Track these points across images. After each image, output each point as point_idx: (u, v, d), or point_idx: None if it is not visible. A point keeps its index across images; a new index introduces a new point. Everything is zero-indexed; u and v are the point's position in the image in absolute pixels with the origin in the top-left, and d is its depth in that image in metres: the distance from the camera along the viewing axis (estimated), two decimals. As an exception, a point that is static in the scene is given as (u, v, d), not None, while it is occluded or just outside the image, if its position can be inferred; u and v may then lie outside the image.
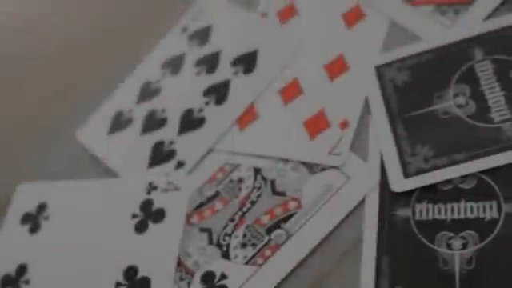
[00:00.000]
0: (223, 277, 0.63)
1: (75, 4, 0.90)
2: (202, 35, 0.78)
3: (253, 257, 0.63)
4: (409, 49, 0.69)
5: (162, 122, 0.75)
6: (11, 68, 0.88)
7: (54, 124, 0.80)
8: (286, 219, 0.65)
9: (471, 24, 0.69)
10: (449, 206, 0.61)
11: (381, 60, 0.69)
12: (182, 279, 0.64)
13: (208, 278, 0.64)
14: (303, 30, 0.75)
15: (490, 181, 0.61)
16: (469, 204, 0.60)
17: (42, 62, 0.87)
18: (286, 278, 0.62)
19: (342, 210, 0.63)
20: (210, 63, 0.76)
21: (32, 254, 0.70)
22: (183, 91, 0.76)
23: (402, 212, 0.62)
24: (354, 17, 0.73)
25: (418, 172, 0.63)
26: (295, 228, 0.64)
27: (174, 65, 0.78)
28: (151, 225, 0.68)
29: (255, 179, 0.68)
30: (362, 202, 0.64)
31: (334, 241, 0.62)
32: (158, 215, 0.68)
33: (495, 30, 0.67)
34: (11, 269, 0.70)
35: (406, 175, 0.63)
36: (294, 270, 0.62)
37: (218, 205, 0.68)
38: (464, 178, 0.62)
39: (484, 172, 0.61)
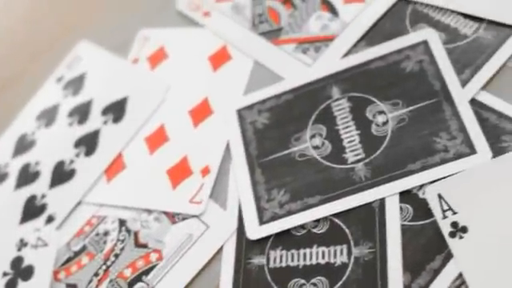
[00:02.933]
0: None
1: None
2: (76, 84, 0.78)
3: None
4: (269, 90, 0.69)
5: (35, 176, 0.74)
6: None
7: None
8: (147, 271, 0.64)
9: (331, 61, 0.68)
10: (302, 251, 0.60)
11: (243, 103, 0.69)
12: None
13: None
14: (171, 75, 0.74)
15: (341, 224, 0.60)
16: (320, 249, 0.59)
17: None
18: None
19: (200, 260, 0.63)
20: (81, 113, 0.75)
21: None
22: (56, 143, 0.75)
23: (257, 260, 0.61)
24: (219, 59, 0.73)
25: (273, 218, 0.62)
26: (156, 280, 0.63)
27: (49, 116, 0.77)
28: (20, 283, 0.67)
29: (120, 231, 0.67)
30: (221, 250, 0.62)
31: (194, 290, 0.61)
32: (27, 273, 0.67)
33: (352, 67, 0.67)
34: None
35: (262, 222, 0.62)
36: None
37: (84, 259, 0.67)
38: (317, 222, 0.61)
39: (336, 215, 0.60)
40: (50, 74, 0.80)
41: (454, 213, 0.57)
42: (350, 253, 0.58)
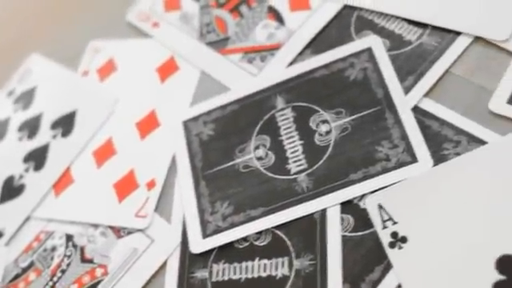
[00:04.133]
0: None
1: None
2: (27, 98, 0.77)
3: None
4: (215, 101, 0.68)
5: (-14, 192, 0.73)
6: None
7: None
8: (93, 287, 0.63)
9: (276, 71, 0.67)
10: (244, 265, 0.59)
11: (188, 114, 0.68)
12: None
13: None
14: (120, 87, 0.73)
15: (283, 236, 0.60)
16: (262, 262, 0.59)
17: None
18: None
19: (144, 275, 0.62)
20: (31, 127, 0.74)
21: None
22: (6, 158, 0.74)
23: (200, 273, 0.61)
24: (167, 70, 0.72)
25: (216, 231, 0.61)
26: (101, 296, 0.62)
27: (0, 130, 0.76)
28: (-30, 301, 0.67)
29: (67, 247, 0.66)
30: (165, 264, 0.62)
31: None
32: (-25, 291, 0.67)
33: (297, 76, 0.67)
34: None
35: (205, 235, 0.62)
36: None
37: (31, 276, 0.66)
38: (260, 234, 0.60)
39: (278, 227, 0.60)
40: (2, 88, 0.79)
41: (394, 223, 0.56)
42: (291, 265, 0.58)
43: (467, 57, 0.63)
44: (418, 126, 0.60)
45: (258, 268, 0.59)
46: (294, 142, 0.63)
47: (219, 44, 0.71)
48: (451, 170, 0.57)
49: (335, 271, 0.56)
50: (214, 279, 0.59)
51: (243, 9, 0.72)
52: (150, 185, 0.65)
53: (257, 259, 0.59)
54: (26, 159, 0.72)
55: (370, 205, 0.57)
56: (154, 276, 0.62)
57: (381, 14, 0.67)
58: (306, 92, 0.65)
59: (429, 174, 0.58)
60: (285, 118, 0.64)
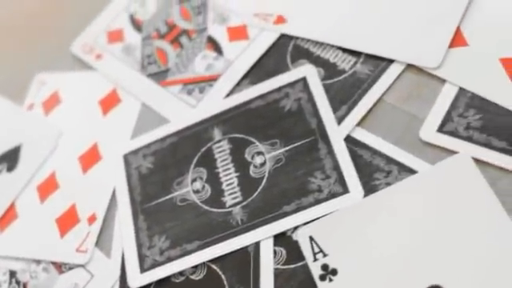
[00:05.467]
0: None
1: None
2: (-29, 134, 0.77)
3: None
4: (154, 133, 0.68)
5: None
6: None
7: None
8: (34, 325, 0.63)
9: (214, 102, 0.68)
10: (180, 299, 0.60)
11: (129, 147, 0.69)
12: None
13: None
14: (64, 120, 0.73)
15: (218, 270, 0.60)
16: (197, 296, 0.59)
17: None
18: None
19: (84, 311, 0.62)
20: (-23, 163, 0.75)
21: None
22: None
23: (139, 308, 0.61)
24: (109, 103, 0.72)
25: (154, 265, 0.62)
26: (41, 334, 0.62)
27: None
28: None
29: (10, 283, 0.67)
30: (105, 300, 0.62)
31: None
32: None
33: (234, 107, 0.67)
34: None
35: (143, 270, 0.62)
36: None
37: (-24, 314, 0.66)
38: (195, 268, 0.60)
39: (213, 261, 0.60)
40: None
41: (325, 255, 0.57)
42: (224, 299, 0.58)
43: (400, 84, 0.64)
44: (350, 156, 0.61)
45: (193, 302, 0.59)
46: (229, 174, 0.63)
47: (160, 76, 0.71)
48: (381, 201, 0.58)
49: (267, 304, 0.56)
50: (151, 314, 0.60)
51: (183, 40, 0.73)
52: (91, 219, 0.66)
53: (192, 293, 0.59)
54: (-28, 197, 0.72)
55: (301, 237, 0.58)
56: (91, 312, 0.62)
57: (316, 43, 0.68)
58: (243, 123, 0.65)
59: (359, 205, 0.58)
60: (221, 150, 0.65)
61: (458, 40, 0.64)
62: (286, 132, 0.64)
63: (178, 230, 0.62)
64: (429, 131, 0.60)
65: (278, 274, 0.58)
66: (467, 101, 0.61)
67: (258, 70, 0.69)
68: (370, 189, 0.59)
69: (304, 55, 0.68)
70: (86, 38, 0.77)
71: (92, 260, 0.64)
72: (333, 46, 0.67)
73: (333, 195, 0.59)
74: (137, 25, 0.76)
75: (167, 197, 0.64)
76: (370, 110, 0.63)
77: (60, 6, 0.81)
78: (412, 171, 0.59)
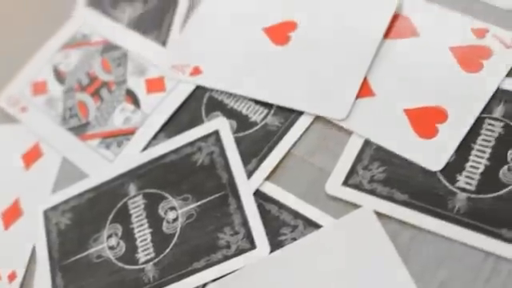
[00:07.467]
0: None
1: None
2: None
3: None
4: (73, 189, 0.69)
5: None
6: None
7: None
8: None
9: (130, 156, 0.69)
10: None
11: (48, 203, 0.69)
12: None
13: None
14: (-12, 175, 0.74)
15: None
16: None
17: None
18: None
19: None
20: None
21: None
22: None
23: None
24: (32, 156, 0.73)
25: (69, 324, 0.62)
26: None
27: None
28: None
29: None
30: None
31: None
32: None
33: (149, 162, 0.68)
34: None
35: (58, 329, 0.62)
36: None
37: None
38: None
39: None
40: None
41: (232, 312, 0.57)
42: None
43: (308, 137, 0.65)
44: (259, 211, 0.62)
45: None
46: (143, 230, 0.64)
47: (80, 129, 0.72)
48: (285, 257, 0.59)
49: None
50: None
51: (104, 92, 0.73)
52: (11, 277, 0.66)
53: None
54: None
55: (207, 295, 0.59)
56: None
57: (230, 95, 0.69)
58: (157, 178, 0.66)
59: (265, 262, 0.59)
60: (136, 206, 0.65)
61: (365, 91, 0.65)
62: (198, 187, 0.64)
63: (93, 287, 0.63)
64: (334, 185, 0.61)
65: (187, 331, 0.59)
66: (372, 153, 0.62)
67: (174, 123, 0.70)
68: (276, 244, 0.60)
69: (218, 107, 0.69)
70: (12, 90, 0.78)
71: (6, 320, 0.65)
72: (245, 98, 0.68)
73: (240, 251, 0.60)
74: (60, 76, 0.77)
75: (84, 253, 0.65)
76: (278, 164, 0.64)
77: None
78: (317, 226, 0.60)
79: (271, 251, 0.60)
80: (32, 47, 0.80)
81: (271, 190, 0.63)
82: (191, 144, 0.67)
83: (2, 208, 0.71)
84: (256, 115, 0.67)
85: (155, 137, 0.69)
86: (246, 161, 0.64)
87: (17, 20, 0.83)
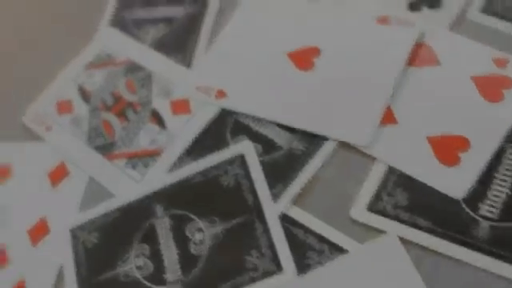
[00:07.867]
0: None
1: None
2: None
3: None
4: (99, 208, 0.71)
5: None
6: None
7: None
8: None
9: (156, 177, 0.70)
10: None
11: (76, 222, 0.71)
12: None
13: None
14: (13, 192, 0.75)
15: None
16: None
17: None
18: None
19: None
20: None
21: None
22: None
23: None
24: (58, 175, 0.75)
25: None
26: None
27: None
28: None
29: None
30: None
31: None
32: None
33: (175, 183, 0.69)
34: None
35: None
36: None
37: None
38: None
39: None
40: None
41: (259, 334, 0.59)
42: None
43: (333, 162, 0.66)
44: (285, 235, 0.63)
45: None
46: (171, 250, 0.66)
47: (106, 148, 0.74)
48: (311, 281, 0.61)
49: None
50: None
51: (129, 113, 0.75)
52: (39, 294, 0.68)
53: None
54: None
55: (233, 317, 0.60)
56: None
57: (255, 119, 0.70)
58: (184, 199, 0.68)
59: (291, 285, 0.61)
60: (163, 227, 0.67)
61: (388, 118, 0.66)
62: (224, 209, 0.66)
63: (124, 308, 0.64)
64: (359, 210, 0.63)
65: None
66: (395, 179, 0.64)
67: (199, 145, 0.71)
68: (303, 267, 0.61)
69: (243, 131, 0.70)
70: (36, 108, 0.79)
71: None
72: (271, 122, 0.69)
73: (267, 274, 0.62)
74: (86, 96, 0.78)
75: (112, 272, 0.67)
76: (304, 188, 0.65)
77: (9, 76, 0.83)
78: (342, 250, 0.61)
79: (298, 274, 0.61)
80: (57, 66, 0.81)
81: (297, 213, 0.65)
82: (217, 166, 0.68)
83: (29, 226, 0.72)
84: (281, 140, 0.68)
85: (181, 158, 0.70)
86: (271, 184, 0.66)
87: (42, 39, 0.85)
